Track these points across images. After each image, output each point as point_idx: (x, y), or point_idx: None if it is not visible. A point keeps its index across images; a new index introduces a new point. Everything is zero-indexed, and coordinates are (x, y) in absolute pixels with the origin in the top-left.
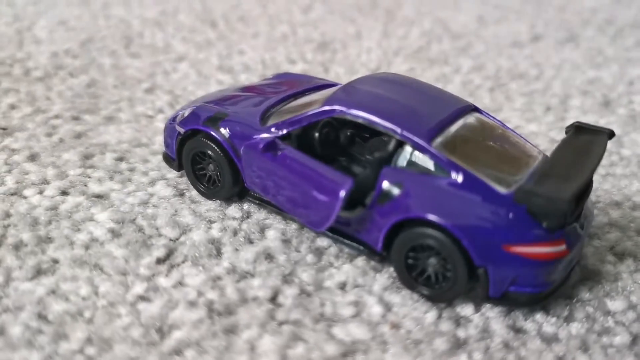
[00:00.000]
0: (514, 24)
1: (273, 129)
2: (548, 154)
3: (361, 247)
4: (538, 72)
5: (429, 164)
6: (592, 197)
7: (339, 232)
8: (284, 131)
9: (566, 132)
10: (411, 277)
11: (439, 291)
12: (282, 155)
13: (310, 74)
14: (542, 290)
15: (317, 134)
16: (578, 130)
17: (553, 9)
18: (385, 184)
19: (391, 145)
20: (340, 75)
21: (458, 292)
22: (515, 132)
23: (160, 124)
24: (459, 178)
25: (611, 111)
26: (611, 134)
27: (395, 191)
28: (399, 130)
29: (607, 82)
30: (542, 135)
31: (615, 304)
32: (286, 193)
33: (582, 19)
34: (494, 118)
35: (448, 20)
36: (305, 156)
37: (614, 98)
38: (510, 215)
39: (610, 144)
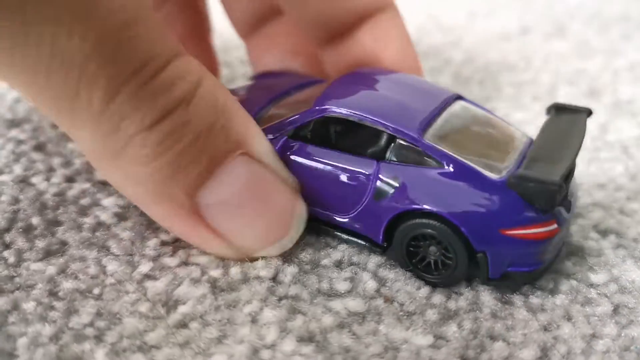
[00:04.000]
0: (503, 18)
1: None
2: (532, 136)
3: (363, 242)
4: (526, 64)
5: (422, 156)
6: (577, 180)
7: (340, 228)
8: (276, 135)
9: (547, 114)
10: (414, 265)
11: (441, 277)
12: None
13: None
14: (538, 268)
15: (309, 134)
16: (558, 110)
17: (540, 4)
18: (381, 179)
19: (383, 141)
20: None
21: (460, 277)
22: (497, 117)
23: None
24: (451, 168)
25: (596, 100)
26: (589, 112)
27: (392, 185)
28: (390, 126)
29: (592, 73)
30: (531, 123)
31: (598, 277)
32: None
33: (569, 14)
34: (477, 105)
35: (439, 15)
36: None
37: (599, 87)
38: (504, 200)
39: (595, 130)
